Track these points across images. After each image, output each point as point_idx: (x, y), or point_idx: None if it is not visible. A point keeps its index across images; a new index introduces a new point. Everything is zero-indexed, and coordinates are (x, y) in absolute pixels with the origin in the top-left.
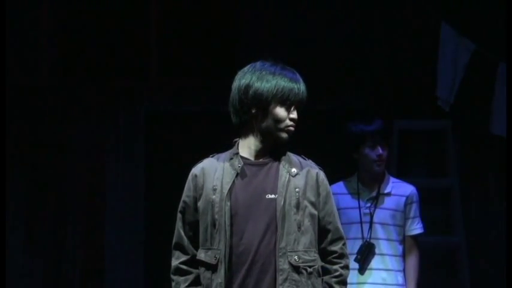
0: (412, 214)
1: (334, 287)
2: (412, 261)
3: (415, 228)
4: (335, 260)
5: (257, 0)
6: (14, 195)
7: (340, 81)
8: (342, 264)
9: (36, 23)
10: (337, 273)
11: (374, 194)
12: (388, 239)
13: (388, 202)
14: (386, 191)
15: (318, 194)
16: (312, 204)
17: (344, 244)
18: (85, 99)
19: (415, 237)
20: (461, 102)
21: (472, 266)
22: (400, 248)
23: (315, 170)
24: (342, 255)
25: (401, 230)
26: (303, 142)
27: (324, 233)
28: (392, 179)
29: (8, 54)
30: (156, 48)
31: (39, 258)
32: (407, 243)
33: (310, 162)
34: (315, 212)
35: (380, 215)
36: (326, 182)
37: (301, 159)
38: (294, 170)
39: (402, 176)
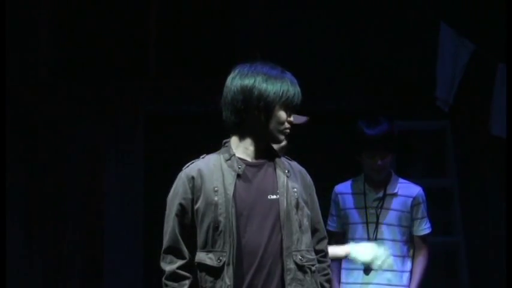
0: (420, 215)
1: (325, 285)
2: (420, 261)
3: (424, 228)
4: (322, 259)
5: (256, 1)
6: (13, 195)
7: (339, 82)
8: (328, 263)
9: (36, 23)
10: (325, 272)
11: (380, 194)
12: (393, 240)
13: (394, 203)
14: (392, 192)
15: (309, 194)
16: (306, 204)
17: (327, 243)
18: (85, 99)
19: (424, 237)
20: (460, 103)
21: (472, 266)
22: (405, 248)
23: (304, 171)
24: (327, 254)
25: (407, 231)
26: (302, 143)
27: (313, 233)
28: (399, 179)
29: (8, 54)
30: (156, 49)
31: (38, 259)
32: (416, 243)
33: (296, 163)
34: (309, 212)
35: (386, 215)
36: (312, 182)
37: (288, 161)
38: (287, 170)
39: (401, 176)
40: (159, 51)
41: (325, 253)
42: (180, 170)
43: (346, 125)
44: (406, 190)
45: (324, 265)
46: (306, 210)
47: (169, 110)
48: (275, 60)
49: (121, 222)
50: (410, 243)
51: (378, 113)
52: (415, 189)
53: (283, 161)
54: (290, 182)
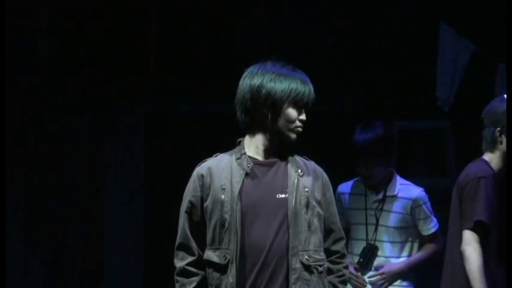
0: (422, 216)
1: (338, 286)
2: (425, 248)
3: (429, 228)
4: (338, 260)
5: (256, 1)
6: (13, 195)
7: (340, 82)
8: (344, 264)
9: (36, 23)
10: (340, 273)
11: (380, 196)
12: (392, 242)
13: (394, 205)
14: (392, 194)
15: (324, 194)
16: (319, 204)
17: (345, 244)
18: (85, 99)
19: (430, 236)
20: (461, 102)
21: None
22: (405, 249)
23: (319, 171)
24: (344, 255)
25: (407, 231)
26: (301, 143)
27: (328, 233)
28: (400, 181)
29: (8, 54)
30: (156, 49)
31: (38, 259)
32: (424, 241)
33: (313, 163)
34: (322, 212)
35: (385, 218)
36: (329, 183)
37: (304, 160)
38: (300, 170)
39: (401, 176)
40: (159, 51)
41: (341, 254)
42: (179, 169)
43: (346, 125)
44: (406, 192)
45: (339, 266)
46: (318, 210)
47: (169, 110)
48: (275, 60)
49: (121, 222)
50: (413, 242)
51: (379, 113)
52: (414, 192)
53: (298, 160)
54: (302, 181)
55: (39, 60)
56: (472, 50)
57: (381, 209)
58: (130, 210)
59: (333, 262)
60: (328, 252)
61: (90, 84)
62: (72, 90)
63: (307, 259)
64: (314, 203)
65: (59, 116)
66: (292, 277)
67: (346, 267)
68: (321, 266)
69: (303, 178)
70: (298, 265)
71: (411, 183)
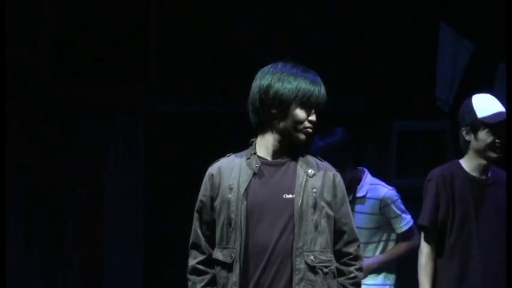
0: (392, 215)
1: None
2: (398, 246)
3: (400, 226)
4: (350, 262)
5: (255, 2)
6: (13, 195)
7: (339, 82)
8: (356, 266)
9: (36, 23)
10: (352, 275)
11: (350, 197)
12: (365, 242)
13: (363, 206)
14: (361, 195)
15: (335, 195)
16: (329, 205)
17: (359, 246)
18: (85, 100)
19: (404, 234)
20: (460, 103)
21: None
22: (379, 249)
23: (331, 172)
24: (357, 257)
25: (380, 232)
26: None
27: (339, 235)
28: (370, 181)
29: (8, 54)
30: (156, 49)
31: (38, 258)
32: (399, 239)
33: (326, 164)
34: (331, 213)
35: (356, 219)
36: (342, 184)
37: (317, 161)
38: (311, 170)
39: (401, 176)
40: (159, 51)
41: (353, 256)
42: (179, 169)
43: (346, 125)
44: (374, 192)
45: (350, 268)
46: (327, 211)
47: (169, 110)
48: (274, 60)
49: (121, 222)
50: (387, 241)
51: (379, 113)
52: (381, 192)
53: (311, 160)
54: (310, 182)
55: (40, 60)
56: (472, 50)
57: (351, 211)
58: (130, 210)
59: (344, 264)
60: (340, 254)
61: (90, 85)
62: (72, 91)
63: (312, 260)
64: (323, 203)
65: (59, 116)
66: (296, 277)
67: (359, 270)
68: (326, 267)
69: (312, 179)
70: (303, 265)
71: (381, 183)
